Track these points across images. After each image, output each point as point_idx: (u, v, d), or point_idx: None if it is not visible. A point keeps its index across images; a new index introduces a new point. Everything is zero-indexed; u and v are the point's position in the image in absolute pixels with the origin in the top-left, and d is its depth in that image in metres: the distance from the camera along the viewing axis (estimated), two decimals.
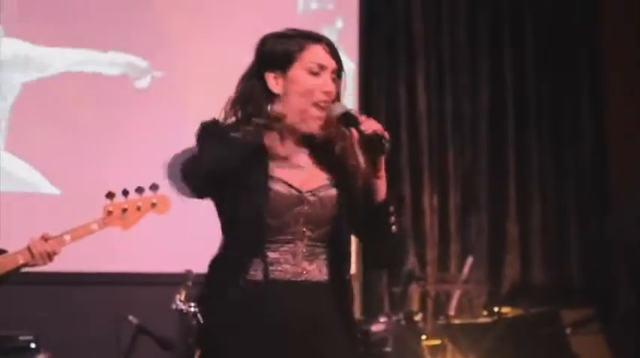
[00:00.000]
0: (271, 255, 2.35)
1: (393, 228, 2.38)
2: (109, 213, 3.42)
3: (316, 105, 2.37)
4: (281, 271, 2.35)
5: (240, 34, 5.36)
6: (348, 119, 2.35)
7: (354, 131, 2.32)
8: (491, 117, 6.19)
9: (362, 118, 2.33)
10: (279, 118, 2.36)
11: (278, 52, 2.42)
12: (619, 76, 6.40)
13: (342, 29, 5.79)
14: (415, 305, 5.33)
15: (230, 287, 2.34)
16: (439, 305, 5.17)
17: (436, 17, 6.14)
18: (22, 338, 4.44)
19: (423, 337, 4.70)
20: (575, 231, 6.28)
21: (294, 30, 2.47)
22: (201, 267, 4.38)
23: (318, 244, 2.39)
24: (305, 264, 2.38)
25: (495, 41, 6.28)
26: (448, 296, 5.34)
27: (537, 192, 6.25)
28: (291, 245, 2.37)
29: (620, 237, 5.69)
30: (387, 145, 2.28)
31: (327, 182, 2.42)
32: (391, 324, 4.56)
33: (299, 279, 2.36)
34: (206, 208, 3.53)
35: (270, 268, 2.34)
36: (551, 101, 6.38)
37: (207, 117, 2.40)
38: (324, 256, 2.40)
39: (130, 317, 4.38)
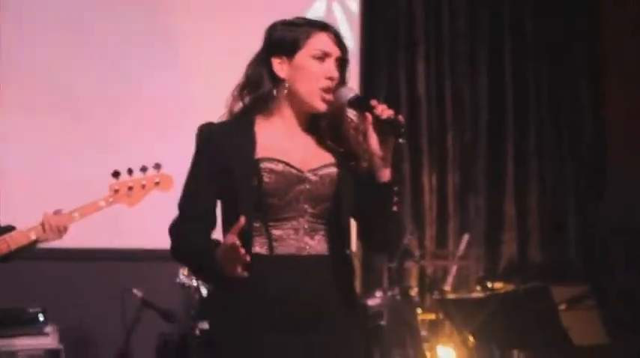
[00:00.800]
0: (275, 232, 2.44)
1: (395, 207, 2.47)
2: (116, 191, 3.58)
3: (320, 89, 2.46)
4: (285, 246, 2.44)
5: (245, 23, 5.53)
6: (361, 103, 2.43)
7: (368, 115, 2.40)
8: (490, 101, 6.31)
9: (374, 102, 2.41)
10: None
11: (285, 38, 2.50)
12: (618, 64, 6.52)
13: (344, 14, 5.90)
14: (412, 281, 5.47)
15: None
16: (436, 280, 5.30)
17: (437, 3, 6.25)
18: (31, 310, 4.61)
19: (419, 311, 4.83)
20: (572, 213, 6.41)
21: (303, 18, 2.57)
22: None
23: (319, 220, 2.47)
24: (307, 239, 2.46)
25: (495, 27, 6.40)
26: (445, 272, 5.49)
27: (535, 174, 6.39)
28: (293, 222, 2.45)
29: (615, 219, 5.78)
30: (402, 130, 2.36)
31: (328, 161, 2.50)
32: (387, 299, 4.69)
33: (302, 254, 2.44)
34: None
35: (275, 244, 2.43)
36: (550, 86, 6.51)
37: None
38: (323, 231, 2.48)
39: (135, 291, 4.52)
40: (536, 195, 6.36)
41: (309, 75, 2.47)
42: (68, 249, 4.20)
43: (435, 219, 6.05)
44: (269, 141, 2.48)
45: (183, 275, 4.42)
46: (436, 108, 6.17)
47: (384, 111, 2.37)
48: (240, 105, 2.55)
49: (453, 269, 5.32)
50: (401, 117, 2.36)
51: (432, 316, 5.00)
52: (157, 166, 3.61)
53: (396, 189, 2.47)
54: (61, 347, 4.57)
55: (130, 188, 3.60)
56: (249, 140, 2.48)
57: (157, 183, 3.64)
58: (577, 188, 6.45)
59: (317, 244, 2.47)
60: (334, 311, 2.46)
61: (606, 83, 6.58)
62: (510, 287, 4.94)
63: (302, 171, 2.46)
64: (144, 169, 3.59)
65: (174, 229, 2.52)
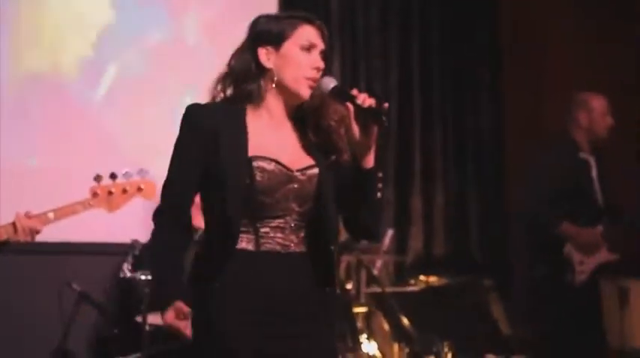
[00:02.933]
0: (262, 229, 2.50)
1: (379, 194, 2.55)
2: (95, 194, 3.51)
3: (306, 78, 2.51)
4: (271, 244, 2.51)
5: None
6: (342, 93, 2.49)
7: (349, 105, 2.46)
8: (399, 99, 6.51)
9: (355, 92, 2.48)
10: None
11: (271, 29, 2.56)
12: (516, 64, 6.88)
13: (261, 10, 5.94)
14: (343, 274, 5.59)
15: (221, 257, 2.49)
16: (372, 274, 5.43)
17: (351, 4, 6.40)
18: None
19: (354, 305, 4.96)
20: (475, 208, 6.69)
21: (287, 12, 2.70)
22: (145, 237, 4.56)
23: (303, 219, 2.55)
24: (292, 237, 2.54)
25: (405, 27, 6.60)
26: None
27: (440, 169, 6.62)
28: (280, 220, 2.52)
29: (515, 214, 6.04)
30: (384, 118, 2.42)
31: (313, 162, 2.56)
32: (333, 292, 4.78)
33: (287, 251, 2.52)
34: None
35: (261, 241, 2.50)
36: (454, 84, 6.76)
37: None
38: (306, 230, 2.56)
39: (74, 285, 4.46)
40: (441, 190, 6.60)
41: (296, 64, 2.52)
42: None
43: None
44: (260, 136, 2.52)
45: (127, 270, 4.38)
46: None
47: (365, 100, 2.45)
48: (223, 95, 2.59)
49: (378, 263, 5.47)
50: (386, 105, 2.45)
51: (364, 309, 5.12)
52: (141, 172, 3.58)
53: (380, 175, 2.56)
54: None
55: (111, 193, 3.54)
56: (241, 134, 2.52)
57: (140, 189, 3.60)
58: (479, 183, 6.73)
59: (300, 242, 2.55)
60: (313, 307, 2.54)
61: (505, 82, 6.91)
62: (443, 280, 5.15)
63: (291, 171, 2.52)
64: (127, 174, 3.56)
65: (155, 222, 2.61)
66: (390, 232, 5.52)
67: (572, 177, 5.14)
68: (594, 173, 5.23)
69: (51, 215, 3.45)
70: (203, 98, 2.59)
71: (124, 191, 3.55)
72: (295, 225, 2.54)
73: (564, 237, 5.03)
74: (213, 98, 2.59)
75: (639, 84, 6.23)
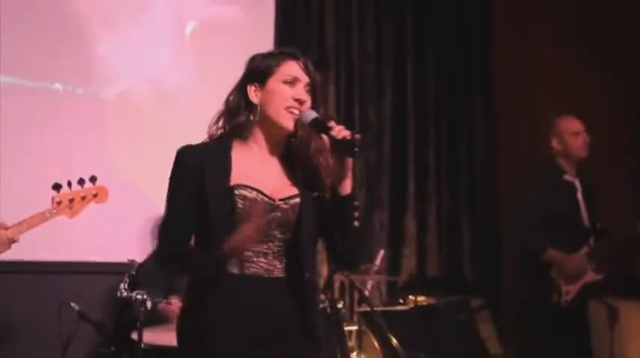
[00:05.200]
0: (247, 254, 2.62)
1: (356, 222, 2.68)
2: (58, 203, 3.72)
3: (288, 109, 2.65)
4: (255, 268, 2.64)
5: None
6: (320, 125, 2.62)
7: (325, 136, 2.60)
8: (393, 124, 6.65)
9: (331, 124, 2.61)
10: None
11: (259, 67, 2.72)
12: (508, 90, 7.02)
13: (257, 41, 6.03)
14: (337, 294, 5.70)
15: (209, 280, 2.62)
16: (363, 294, 5.53)
17: (347, 31, 6.53)
18: None
19: (344, 323, 5.06)
20: (468, 229, 6.81)
21: (279, 49, 2.83)
22: (141, 257, 4.68)
23: (285, 245, 2.67)
24: (276, 263, 2.67)
25: (399, 54, 6.75)
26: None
27: (434, 191, 6.75)
28: (264, 246, 2.65)
29: (507, 236, 6.13)
30: (356, 149, 2.56)
31: (295, 191, 2.69)
32: (318, 314, 4.88)
33: (271, 276, 2.65)
34: (147, 203, 3.82)
35: (246, 265, 2.63)
36: (447, 111, 6.91)
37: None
38: (288, 255, 2.68)
39: (72, 304, 4.56)
40: (434, 211, 6.72)
41: (279, 97, 2.66)
42: (4, 261, 4.20)
43: None
44: (244, 167, 2.66)
45: (124, 289, 4.46)
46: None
47: (340, 131, 2.59)
48: (219, 131, 2.74)
49: (370, 283, 5.58)
50: (357, 136, 2.58)
51: (355, 327, 5.22)
52: (93, 179, 3.80)
53: (356, 203, 2.70)
54: None
55: (71, 200, 3.75)
56: (225, 165, 2.65)
57: (95, 195, 3.84)
58: (471, 205, 6.86)
59: (283, 267, 2.68)
60: (295, 330, 2.67)
61: (497, 108, 7.06)
62: (431, 300, 5.26)
63: (274, 200, 2.65)
64: (81, 182, 3.77)
65: (157, 262, 2.83)
66: (381, 252, 5.63)
67: (558, 200, 5.26)
68: (579, 195, 5.36)
69: (24, 225, 3.61)
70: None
71: (83, 198, 3.77)
72: (278, 251, 2.67)
73: (550, 263, 5.14)
74: (211, 135, 2.74)
75: (626, 107, 6.34)
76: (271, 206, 2.64)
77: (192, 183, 2.62)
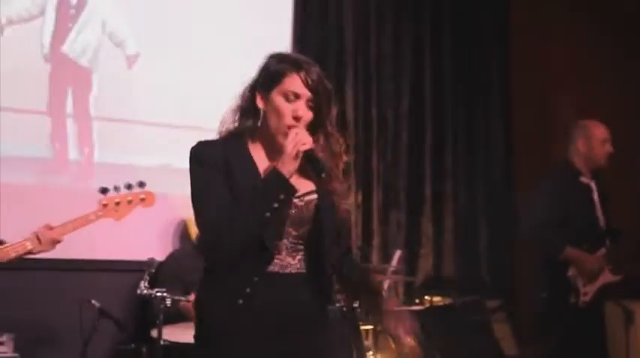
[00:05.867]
0: None
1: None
2: (104, 205, 3.85)
3: (286, 126, 2.65)
4: (271, 265, 2.66)
5: None
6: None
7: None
8: (411, 124, 6.69)
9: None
10: None
11: (268, 73, 2.73)
12: (525, 91, 7.05)
13: (275, 42, 6.09)
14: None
15: (245, 276, 2.63)
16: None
17: (365, 31, 6.57)
18: None
19: (360, 323, 5.10)
20: (484, 230, 6.86)
21: (291, 55, 2.81)
22: (161, 255, 4.75)
23: (299, 242, 2.71)
24: (289, 259, 2.70)
25: (417, 55, 6.79)
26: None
27: (450, 192, 6.80)
28: (279, 243, 2.67)
29: (524, 236, 6.16)
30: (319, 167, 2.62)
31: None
32: (333, 312, 4.94)
33: (285, 272, 2.68)
34: (167, 204, 3.89)
35: None
36: (465, 111, 6.96)
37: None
38: (302, 252, 2.72)
39: (93, 301, 4.64)
40: (451, 213, 6.77)
41: (278, 113, 2.66)
42: (27, 258, 4.27)
43: (360, 234, 6.36)
44: (262, 166, 2.69)
45: (144, 286, 4.53)
46: (363, 131, 6.48)
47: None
48: (232, 126, 2.78)
49: (386, 283, 5.63)
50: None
51: (373, 327, 5.27)
52: (141, 184, 3.92)
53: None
54: (16, 355, 4.64)
55: (117, 203, 3.88)
56: (250, 163, 2.69)
57: (142, 199, 3.96)
58: (488, 206, 6.90)
59: (297, 263, 2.71)
60: (311, 324, 2.72)
61: (515, 108, 7.10)
62: (447, 300, 5.30)
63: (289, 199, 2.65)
64: (129, 186, 3.88)
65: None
66: (398, 253, 5.68)
67: (574, 202, 5.30)
68: (595, 197, 5.39)
69: (69, 226, 3.74)
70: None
71: (129, 202, 3.90)
72: (292, 247, 2.70)
73: (568, 261, 5.18)
74: (223, 129, 2.78)
75: None
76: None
77: (223, 176, 2.64)
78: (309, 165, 2.64)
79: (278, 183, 2.58)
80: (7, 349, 4.66)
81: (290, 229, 2.69)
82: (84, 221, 3.78)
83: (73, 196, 5.16)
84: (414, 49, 6.79)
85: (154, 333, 4.34)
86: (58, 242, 3.72)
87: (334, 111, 2.77)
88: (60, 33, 5.36)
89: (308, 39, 6.21)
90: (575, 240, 5.20)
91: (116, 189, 3.84)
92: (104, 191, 3.80)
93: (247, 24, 5.88)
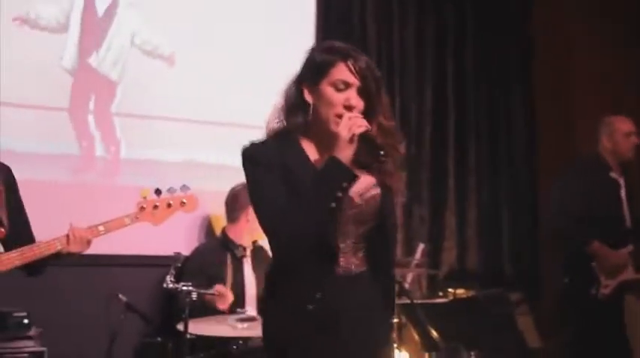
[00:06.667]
0: None
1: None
2: (142, 208, 3.78)
3: (336, 115, 2.57)
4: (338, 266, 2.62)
5: None
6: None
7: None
8: (434, 118, 6.71)
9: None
10: None
11: (314, 65, 2.65)
12: (548, 85, 7.04)
13: (300, 33, 6.06)
14: None
15: (315, 280, 2.60)
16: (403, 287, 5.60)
17: (388, 24, 6.58)
18: (15, 314, 4.68)
19: None
20: (507, 224, 6.88)
21: (336, 44, 2.70)
22: (187, 250, 4.80)
23: (361, 240, 2.65)
24: (352, 259, 2.64)
25: (439, 49, 6.81)
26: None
27: (474, 186, 6.82)
28: (342, 244, 2.62)
29: (547, 227, 6.18)
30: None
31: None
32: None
33: (350, 273, 2.62)
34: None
35: None
36: (488, 106, 6.97)
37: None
38: (364, 250, 2.66)
39: (120, 296, 4.70)
40: (474, 207, 6.78)
41: (329, 103, 2.60)
42: None
43: None
44: (318, 164, 2.61)
45: (170, 281, 4.58)
46: None
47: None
48: (279, 125, 2.70)
49: (410, 276, 5.66)
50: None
51: (396, 319, 5.28)
52: (185, 188, 3.83)
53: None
54: (44, 349, 4.67)
55: (156, 206, 3.80)
56: (307, 162, 2.63)
57: (183, 203, 3.86)
58: (511, 200, 6.91)
59: (360, 262, 2.65)
60: (374, 325, 2.66)
61: (538, 102, 7.09)
62: (470, 292, 5.32)
63: (351, 196, 2.59)
64: (171, 190, 3.82)
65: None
66: (421, 246, 5.70)
67: (601, 197, 5.32)
68: (623, 193, 5.41)
69: (101, 228, 3.69)
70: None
71: (169, 205, 3.81)
72: (354, 246, 2.64)
73: (593, 255, 5.20)
74: (270, 129, 2.70)
75: None
76: (349, 203, 2.60)
77: (282, 179, 2.56)
78: (366, 147, 2.53)
79: (338, 170, 2.49)
80: (35, 343, 4.70)
81: (352, 228, 2.64)
82: (119, 223, 3.72)
83: (100, 192, 5.22)
84: (437, 43, 6.80)
85: (180, 327, 4.39)
86: (89, 243, 3.67)
87: (386, 100, 2.70)
88: (87, 48, 5.37)
89: (331, 34, 6.22)
90: (600, 234, 5.22)
91: (157, 192, 3.78)
92: (144, 193, 3.77)
93: (270, 21, 5.90)
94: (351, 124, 2.51)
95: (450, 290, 5.32)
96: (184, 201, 3.84)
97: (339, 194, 2.49)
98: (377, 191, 2.66)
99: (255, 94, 5.09)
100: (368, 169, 2.65)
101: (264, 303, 2.83)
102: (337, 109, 2.59)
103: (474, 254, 6.70)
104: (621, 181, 5.46)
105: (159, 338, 4.87)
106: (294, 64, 2.77)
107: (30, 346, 4.66)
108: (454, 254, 6.61)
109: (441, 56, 6.80)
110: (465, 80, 6.88)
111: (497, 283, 6.25)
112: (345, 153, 2.50)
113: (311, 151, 2.67)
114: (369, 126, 2.55)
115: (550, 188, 5.66)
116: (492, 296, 5.11)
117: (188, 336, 4.36)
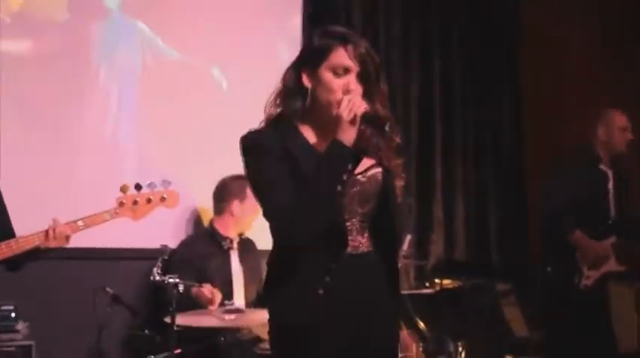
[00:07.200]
0: None
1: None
2: (121, 204, 3.76)
3: (337, 101, 2.54)
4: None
5: None
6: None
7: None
8: (420, 110, 6.71)
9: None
10: None
11: (313, 49, 2.64)
12: (534, 75, 7.06)
13: (286, 25, 6.11)
14: None
15: (325, 262, 2.56)
16: None
17: (373, 16, 6.58)
18: (2, 308, 4.70)
19: None
20: (494, 215, 6.91)
21: (335, 29, 2.69)
22: (175, 242, 4.80)
23: (366, 219, 2.63)
24: (359, 238, 2.63)
25: (426, 38, 6.81)
26: None
27: (461, 178, 6.84)
28: (348, 223, 2.61)
29: (535, 218, 6.21)
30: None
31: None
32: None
33: (357, 252, 2.61)
34: (181, 190, 3.90)
35: None
36: (475, 97, 6.98)
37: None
38: (368, 229, 2.63)
39: (107, 288, 4.69)
40: (462, 198, 6.80)
41: (328, 88, 2.58)
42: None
43: None
44: (320, 147, 2.59)
45: (157, 273, 4.57)
46: None
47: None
48: (277, 111, 2.68)
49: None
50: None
51: None
52: (165, 183, 3.83)
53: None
54: (32, 343, 4.68)
55: (135, 202, 3.78)
56: (308, 147, 2.61)
57: (163, 199, 3.84)
58: (498, 192, 6.94)
59: (367, 241, 2.64)
60: (382, 304, 2.64)
61: (525, 94, 7.12)
62: (457, 283, 5.34)
63: (354, 174, 2.59)
64: (151, 185, 3.81)
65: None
66: (409, 237, 5.71)
67: (588, 188, 5.35)
68: (611, 185, 5.44)
69: (80, 223, 3.68)
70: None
71: (149, 201, 3.79)
72: (360, 225, 2.63)
73: (575, 244, 5.23)
74: (269, 114, 2.68)
75: None
76: (352, 181, 2.59)
77: (284, 165, 2.54)
78: (369, 124, 2.54)
79: (341, 153, 2.49)
80: (22, 337, 4.71)
81: (357, 207, 2.62)
82: (98, 219, 3.70)
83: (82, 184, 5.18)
84: (423, 33, 6.80)
85: (168, 319, 4.39)
86: (68, 239, 3.66)
87: (384, 87, 2.67)
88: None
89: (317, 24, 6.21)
90: (584, 225, 5.25)
91: (137, 188, 3.76)
92: (123, 188, 3.74)
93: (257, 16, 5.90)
94: (351, 106, 2.50)
95: (437, 280, 5.33)
96: (165, 196, 3.82)
97: (345, 177, 2.49)
98: (378, 170, 2.66)
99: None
100: (367, 154, 2.65)
101: (269, 292, 2.69)
102: (336, 95, 2.57)
103: (462, 245, 6.72)
104: (610, 174, 5.49)
105: (146, 331, 4.87)
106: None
107: (17, 340, 4.68)
108: (441, 245, 6.62)
109: (426, 48, 6.80)
110: (452, 72, 6.89)
111: (485, 274, 6.26)
112: (348, 135, 2.50)
113: (310, 136, 2.65)
114: (369, 107, 2.54)
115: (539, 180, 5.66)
116: (479, 286, 5.14)
117: (175, 328, 4.36)
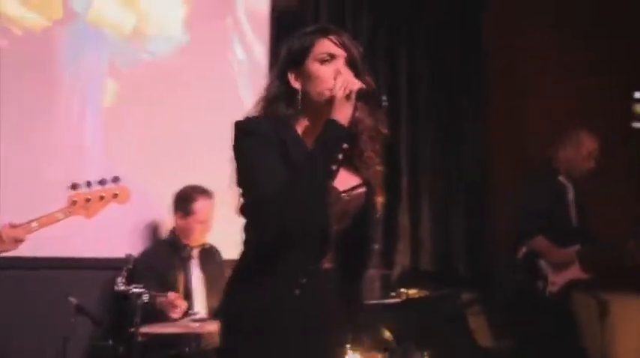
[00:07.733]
0: None
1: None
2: (74, 202, 3.74)
3: (329, 89, 2.49)
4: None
5: None
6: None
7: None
8: (387, 117, 6.70)
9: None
10: None
11: (294, 51, 2.59)
12: (501, 86, 7.10)
13: (253, 28, 6.06)
14: None
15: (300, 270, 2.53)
16: None
17: (341, 24, 6.58)
18: None
19: None
20: (460, 224, 6.93)
21: (312, 27, 2.65)
22: (137, 251, 4.75)
23: (338, 235, 2.58)
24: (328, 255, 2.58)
25: (392, 47, 6.82)
26: None
27: (427, 187, 6.85)
28: None
29: (499, 231, 6.25)
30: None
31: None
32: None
33: (321, 267, 2.57)
34: (144, 200, 3.87)
35: None
36: (440, 106, 7.00)
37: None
38: (339, 246, 2.59)
39: (71, 298, 4.64)
40: (428, 207, 6.82)
41: (317, 78, 2.54)
42: (3, 257, 4.24)
43: None
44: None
45: (121, 283, 4.52)
46: None
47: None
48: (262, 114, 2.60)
49: None
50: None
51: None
52: (116, 179, 3.81)
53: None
54: None
55: (88, 200, 3.76)
56: (301, 142, 2.54)
57: (116, 195, 3.84)
58: (464, 201, 6.96)
59: (333, 258, 2.60)
60: (337, 322, 2.63)
61: (491, 100, 7.16)
62: (422, 293, 5.36)
63: (339, 192, 2.56)
64: (102, 182, 3.78)
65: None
66: (374, 247, 5.71)
67: (549, 197, 5.41)
68: (571, 196, 5.51)
69: (34, 224, 3.62)
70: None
71: (101, 198, 3.77)
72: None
73: (538, 250, 5.29)
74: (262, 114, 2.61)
75: (619, 112, 6.40)
76: (336, 198, 2.55)
77: (277, 152, 2.48)
78: (365, 101, 2.49)
79: (336, 131, 2.42)
80: None
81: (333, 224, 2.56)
82: (51, 219, 3.66)
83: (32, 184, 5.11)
84: (389, 42, 6.81)
85: (132, 329, 4.36)
86: (21, 241, 3.60)
87: (370, 80, 2.61)
88: None
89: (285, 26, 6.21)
90: (548, 233, 5.31)
91: (88, 184, 3.73)
92: (74, 187, 3.70)
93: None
94: (345, 83, 2.46)
95: (402, 290, 5.34)
96: (117, 192, 3.82)
97: (339, 156, 2.41)
98: (363, 189, 2.65)
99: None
100: (353, 169, 2.64)
101: (232, 285, 2.65)
102: (328, 83, 2.52)
103: (427, 254, 6.73)
104: (569, 185, 5.56)
105: (110, 342, 4.82)
106: None
107: None
108: (407, 254, 6.63)
109: (393, 57, 6.81)
110: (419, 81, 6.90)
111: (450, 283, 6.28)
112: (343, 113, 2.44)
113: (304, 135, 2.59)
114: (362, 85, 2.49)
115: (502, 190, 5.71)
116: (444, 296, 5.15)
117: (140, 338, 4.33)
